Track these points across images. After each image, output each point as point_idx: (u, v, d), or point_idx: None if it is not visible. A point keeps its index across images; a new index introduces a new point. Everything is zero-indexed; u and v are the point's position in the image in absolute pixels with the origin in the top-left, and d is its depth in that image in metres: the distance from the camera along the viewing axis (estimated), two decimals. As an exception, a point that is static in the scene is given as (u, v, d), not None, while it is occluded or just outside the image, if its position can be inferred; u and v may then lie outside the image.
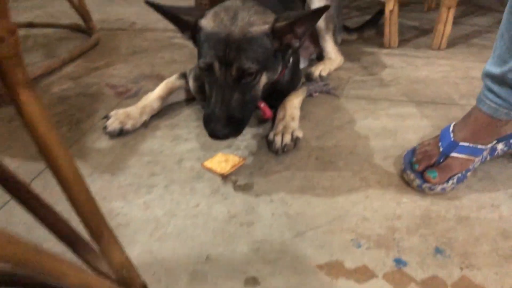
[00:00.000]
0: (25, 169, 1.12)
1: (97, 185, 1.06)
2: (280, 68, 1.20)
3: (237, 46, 1.06)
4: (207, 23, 1.11)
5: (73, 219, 0.59)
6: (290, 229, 0.92)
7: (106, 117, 1.30)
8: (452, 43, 2.02)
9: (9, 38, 0.44)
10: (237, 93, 1.09)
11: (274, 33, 1.10)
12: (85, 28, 2.23)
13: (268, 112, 1.27)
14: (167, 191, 1.04)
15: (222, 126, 1.05)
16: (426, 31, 2.25)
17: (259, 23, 1.09)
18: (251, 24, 1.09)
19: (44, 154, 0.54)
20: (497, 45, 0.95)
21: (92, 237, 0.64)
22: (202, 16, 1.13)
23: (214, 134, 1.06)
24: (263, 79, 1.15)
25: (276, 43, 1.12)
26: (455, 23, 1.94)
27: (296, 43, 1.15)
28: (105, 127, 1.27)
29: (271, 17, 1.12)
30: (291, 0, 1.62)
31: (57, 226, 0.64)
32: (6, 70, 0.46)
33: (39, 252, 0.42)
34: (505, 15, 0.91)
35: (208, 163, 1.12)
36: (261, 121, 1.34)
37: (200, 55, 1.12)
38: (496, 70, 0.95)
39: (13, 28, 0.45)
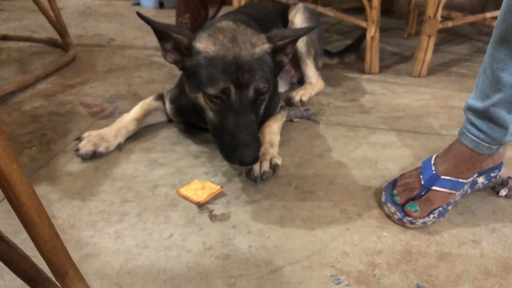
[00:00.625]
0: (-11, 193, 1.06)
1: (66, 212, 1.01)
2: (275, 84, 1.20)
3: (249, 67, 1.04)
4: (205, 46, 1.07)
5: (37, 252, 0.55)
6: (267, 264, 0.88)
7: (79, 139, 1.25)
8: (432, 71, 2.03)
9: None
10: (253, 114, 1.07)
11: (273, 51, 1.12)
12: (61, 43, 2.18)
13: None
14: (139, 219, 1.00)
15: (252, 151, 1.01)
16: (406, 57, 2.27)
17: (259, 43, 1.10)
18: (253, 44, 1.08)
19: (5, 189, 0.50)
20: (479, 79, 0.94)
21: (56, 276, 0.60)
22: (193, 38, 1.10)
23: (247, 161, 1.02)
24: (267, 97, 1.15)
25: (273, 62, 1.13)
26: (434, 50, 1.96)
27: (285, 60, 1.18)
28: (77, 149, 1.22)
29: (263, 37, 1.12)
30: (270, 23, 1.60)
31: (16, 262, 0.59)
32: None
33: None
34: (488, 50, 0.91)
35: (184, 190, 1.08)
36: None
37: (206, 81, 1.06)
38: (478, 104, 0.94)
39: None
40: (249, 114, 1.06)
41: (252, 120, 1.07)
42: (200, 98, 1.11)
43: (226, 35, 1.09)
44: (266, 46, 1.10)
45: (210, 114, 1.11)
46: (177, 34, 1.08)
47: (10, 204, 0.51)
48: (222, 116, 1.07)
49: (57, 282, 0.60)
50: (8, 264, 0.58)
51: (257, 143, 1.06)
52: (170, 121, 1.45)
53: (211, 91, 1.06)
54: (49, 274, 0.60)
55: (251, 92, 1.05)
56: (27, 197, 0.51)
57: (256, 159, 1.03)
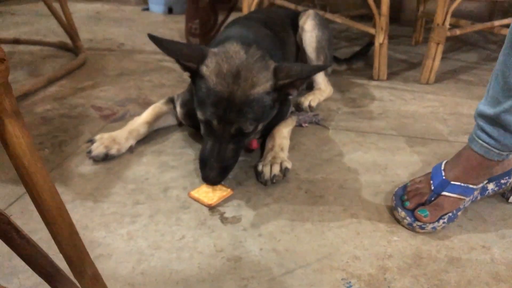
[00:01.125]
0: (3, 193, 1.07)
1: (79, 213, 1.02)
2: (275, 111, 1.20)
3: (238, 108, 1.06)
4: (209, 74, 1.08)
5: (53, 249, 0.55)
6: (279, 266, 0.89)
7: (91, 141, 1.26)
8: (439, 78, 2.04)
9: (-2, 66, 0.42)
10: (232, 144, 1.10)
11: (275, 89, 1.11)
12: (72, 47, 2.20)
13: (255, 144, 1.26)
14: (151, 221, 1.01)
15: (215, 175, 1.08)
16: (414, 64, 2.28)
17: (262, 81, 1.09)
18: (253, 85, 1.08)
19: (28, 186, 0.51)
20: (491, 85, 0.95)
21: (74, 273, 0.61)
22: (203, 58, 1.10)
23: (207, 180, 1.08)
24: (259, 128, 1.17)
25: (276, 95, 1.13)
26: (442, 58, 1.96)
27: (294, 93, 1.17)
28: (89, 151, 1.23)
29: (271, 68, 1.11)
30: (280, 28, 1.62)
31: (35, 259, 0.60)
32: (-7, 98, 0.43)
33: None
34: (500, 57, 0.91)
35: (195, 193, 1.09)
36: (247, 151, 1.31)
37: (199, 104, 1.11)
38: (489, 110, 0.94)
39: (2, 57, 0.42)
40: (227, 144, 1.10)
41: (230, 149, 1.10)
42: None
43: (232, 67, 1.08)
44: (268, 85, 1.09)
45: (202, 128, 1.15)
46: (187, 61, 1.10)
47: (33, 201, 0.52)
48: (207, 134, 1.13)
49: (75, 280, 0.61)
50: (28, 261, 0.59)
51: (224, 170, 1.10)
52: (180, 124, 1.46)
53: (199, 115, 1.12)
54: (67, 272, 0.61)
55: (233, 129, 1.08)
56: (49, 195, 0.52)
57: (217, 182, 1.09)
